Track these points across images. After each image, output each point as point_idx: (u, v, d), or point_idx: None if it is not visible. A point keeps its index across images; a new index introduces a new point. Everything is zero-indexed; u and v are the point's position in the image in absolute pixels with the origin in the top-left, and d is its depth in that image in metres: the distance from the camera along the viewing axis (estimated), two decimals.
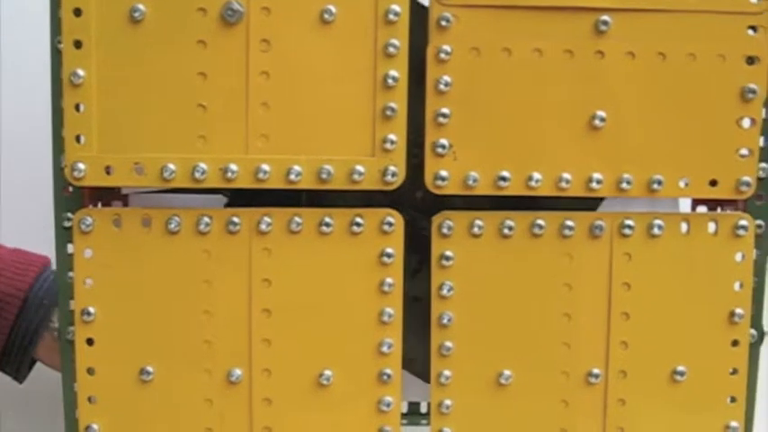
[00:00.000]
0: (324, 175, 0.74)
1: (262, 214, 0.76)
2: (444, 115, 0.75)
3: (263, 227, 0.76)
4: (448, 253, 0.77)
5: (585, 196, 0.78)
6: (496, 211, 0.77)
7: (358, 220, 0.76)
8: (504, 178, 0.76)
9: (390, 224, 0.76)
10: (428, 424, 0.89)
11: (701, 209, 0.86)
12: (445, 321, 0.78)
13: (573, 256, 0.78)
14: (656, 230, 0.78)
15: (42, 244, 0.88)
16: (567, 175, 0.76)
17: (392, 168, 0.74)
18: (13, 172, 1.17)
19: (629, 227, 0.77)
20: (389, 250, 0.76)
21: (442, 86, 0.74)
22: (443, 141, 0.75)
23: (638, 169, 0.76)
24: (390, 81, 0.74)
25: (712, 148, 0.77)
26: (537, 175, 0.76)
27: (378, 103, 0.74)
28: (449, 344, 0.78)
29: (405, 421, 0.93)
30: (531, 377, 0.79)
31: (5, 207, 1.18)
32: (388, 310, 0.77)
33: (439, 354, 0.78)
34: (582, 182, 0.76)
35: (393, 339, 0.77)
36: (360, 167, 0.74)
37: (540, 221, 0.77)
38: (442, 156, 0.75)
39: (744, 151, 0.77)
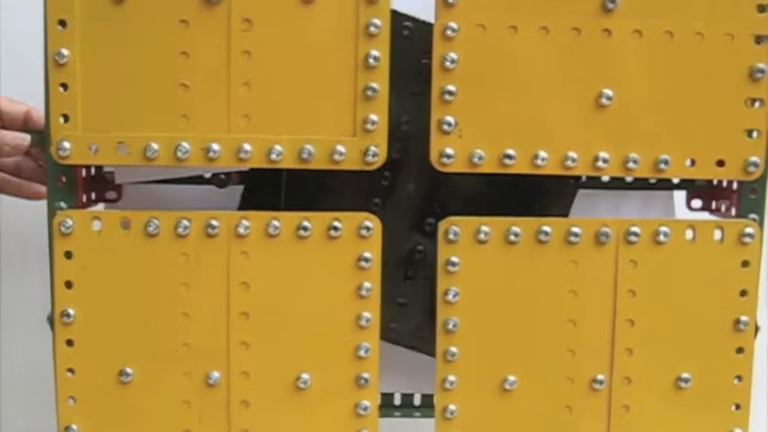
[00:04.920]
0: (305, 155, 0.67)
1: (240, 218, 0.68)
2: (450, 92, 0.67)
3: (241, 230, 0.68)
4: (453, 259, 0.69)
5: (591, 175, 0.72)
6: (502, 217, 0.69)
7: (336, 224, 0.68)
8: (509, 156, 0.68)
9: (368, 228, 0.68)
10: (402, 416, 0.84)
11: (696, 202, 0.80)
12: (450, 327, 0.70)
13: (578, 262, 0.69)
14: (661, 237, 0.69)
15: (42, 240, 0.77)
16: (573, 154, 0.68)
17: (373, 149, 0.67)
18: None
19: (635, 234, 0.69)
20: (367, 254, 0.69)
21: (448, 63, 0.66)
22: (449, 119, 0.67)
23: (645, 149, 0.68)
24: (372, 61, 0.66)
25: (720, 128, 0.68)
26: (543, 154, 0.68)
27: (359, 83, 0.66)
28: (454, 349, 0.70)
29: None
30: (536, 383, 0.71)
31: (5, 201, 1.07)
32: (366, 314, 0.69)
33: (444, 359, 0.70)
34: (588, 161, 0.68)
35: (370, 343, 0.70)
36: (341, 147, 0.67)
37: (545, 228, 0.69)
38: (447, 133, 0.67)
39: (751, 131, 0.68)
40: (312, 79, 0.66)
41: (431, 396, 0.85)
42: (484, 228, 0.68)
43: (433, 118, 0.67)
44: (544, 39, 0.66)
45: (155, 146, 0.66)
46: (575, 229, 0.68)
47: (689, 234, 0.70)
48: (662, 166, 0.68)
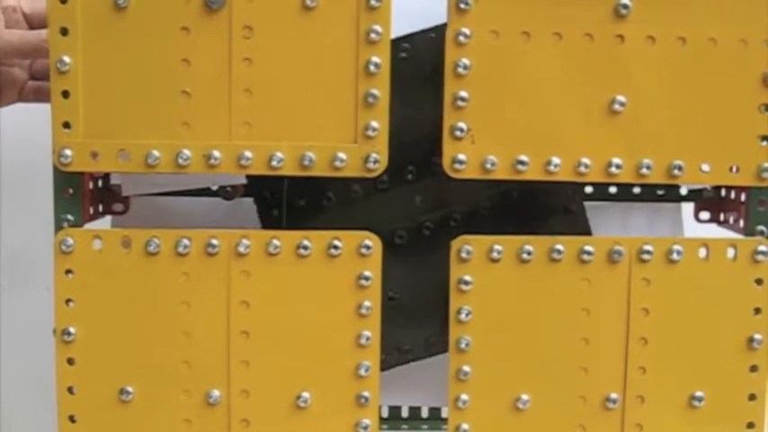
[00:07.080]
0: (306, 162, 0.64)
1: (240, 236, 0.65)
2: (463, 98, 0.64)
3: (241, 249, 0.65)
4: (466, 278, 0.66)
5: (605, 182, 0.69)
6: (515, 236, 0.67)
7: (336, 243, 0.65)
8: (522, 162, 0.65)
9: (368, 247, 0.65)
10: (409, 429, 0.83)
11: (704, 214, 0.78)
12: (463, 346, 0.66)
13: (591, 280, 0.66)
14: (674, 256, 0.66)
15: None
16: (586, 160, 0.65)
17: (374, 155, 0.64)
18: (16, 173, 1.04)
19: (648, 252, 0.66)
20: (367, 273, 0.66)
21: (460, 69, 0.64)
22: (461, 125, 0.64)
23: (659, 155, 0.65)
24: (372, 68, 0.63)
25: (733, 134, 0.65)
26: (556, 160, 0.65)
27: (360, 90, 0.64)
28: (466, 368, 0.67)
29: (385, 426, 0.83)
30: (549, 401, 0.67)
31: (7, 207, 1.04)
32: (366, 333, 0.66)
33: (457, 378, 0.67)
34: (601, 167, 0.65)
35: (371, 362, 0.67)
36: (342, 154, 0.64)
37: (558, 246, 0.66)
38: (460, 139, 0.64)
39: (765, 137, 0.64)
40: (313, 86, 0.64)
41: (438, 409, 0.82)
42: (497, 246, 0.66)
43: (445, 124, 0.65)
44: (557, 45, 0.64)
45: (156, 153, 0.63)
46: (587, 248, 0.66)
47: (702, 252, 0.67)
48: (675, 171, 0.65)
